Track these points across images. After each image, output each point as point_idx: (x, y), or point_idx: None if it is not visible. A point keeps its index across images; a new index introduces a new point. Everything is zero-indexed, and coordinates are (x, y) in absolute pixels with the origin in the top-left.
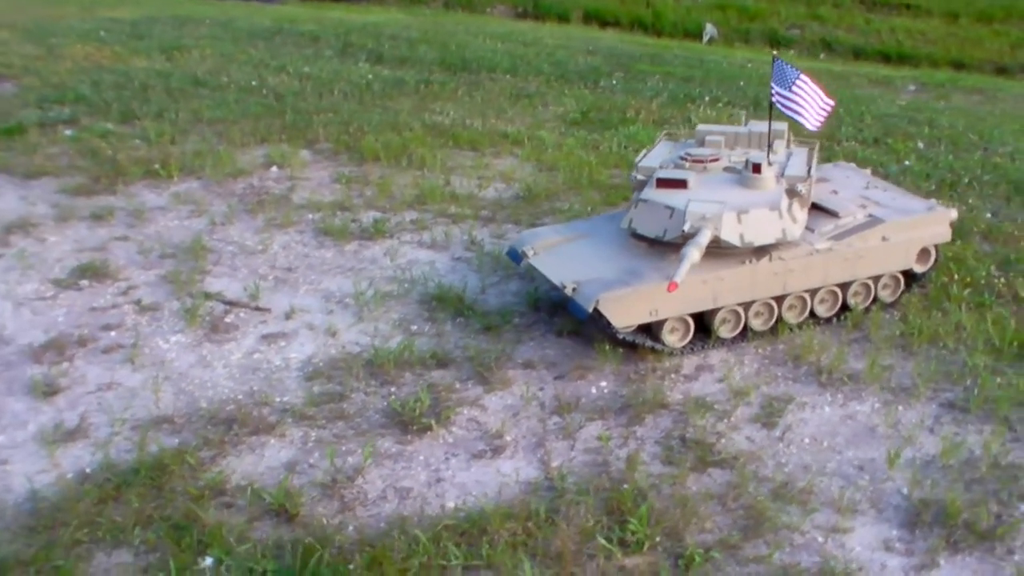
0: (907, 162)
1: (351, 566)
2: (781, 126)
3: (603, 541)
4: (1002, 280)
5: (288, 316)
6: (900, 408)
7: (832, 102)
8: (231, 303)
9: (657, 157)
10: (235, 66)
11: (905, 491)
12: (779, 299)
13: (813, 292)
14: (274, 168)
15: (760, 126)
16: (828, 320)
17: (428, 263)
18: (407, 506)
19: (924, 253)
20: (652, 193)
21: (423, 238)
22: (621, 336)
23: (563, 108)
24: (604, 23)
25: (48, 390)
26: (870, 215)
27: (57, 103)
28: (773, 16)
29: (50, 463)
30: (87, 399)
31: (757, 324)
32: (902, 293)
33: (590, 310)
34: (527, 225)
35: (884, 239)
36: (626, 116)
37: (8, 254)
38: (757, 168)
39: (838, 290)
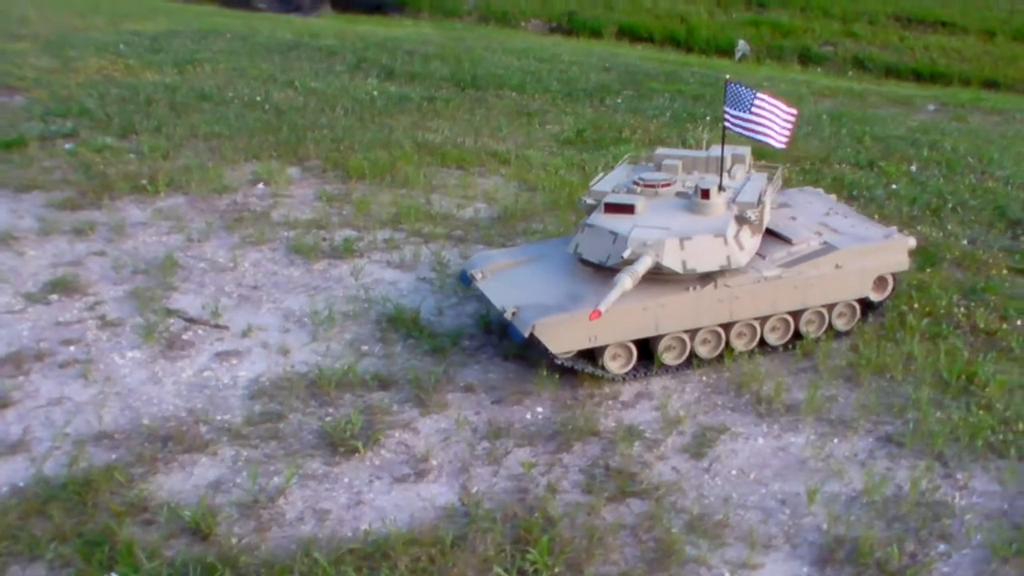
0: (895, 185)
1: None
2: (744, 150)
3: (500, 571)
4: (962, 310)
5: (245, 334)
6: (835, 441)
7: (795, 111)
8: (191, 320)
9: (611, 181)
10: (244, 81)
11: (824, 527)
12: (727, 327)
13: (763, 320)
14: (260, 185)
15: (726, 150)
16: (779, 349)
17: (392, 283)
18: (323, 528)
19: (881, 281)
20: (599, 218)
21: (392, 258)
22: (559, 362)
23: (560, 127)
24: (638, 39)
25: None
26: (824, 242)
27: (61, 116)
28: (807, 33)
29: None
30: (35, 413)
31: (704, 352)
32: (858, 322)
33: (526, 335)
34: (498, 246)
35: (837, 267)
36: (622, 136)
37: None
38: (705, 194)
39: (790, 318)
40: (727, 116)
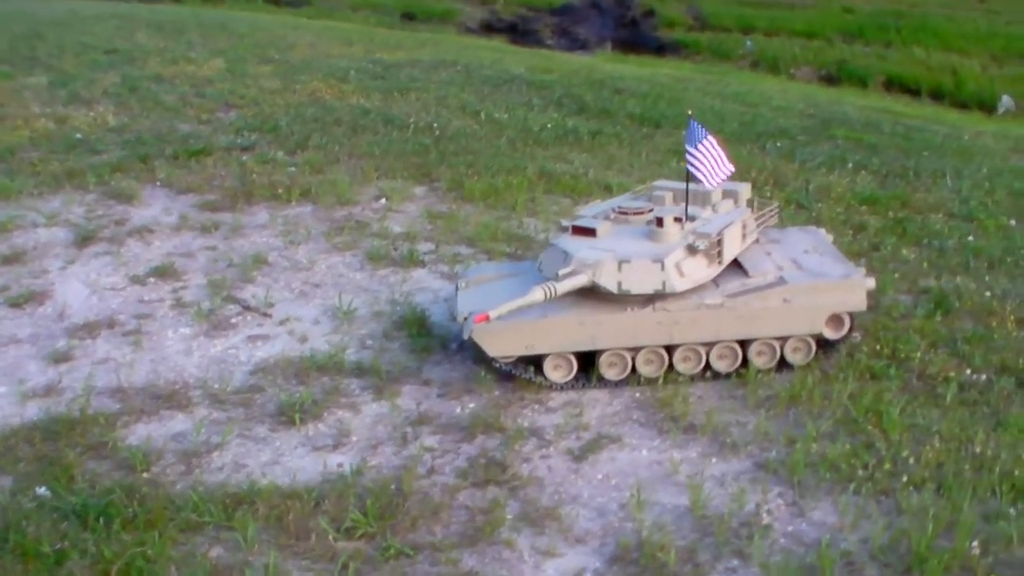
0: (971, 238)
1: (130, 509)
2: (741, 187)
3: (323, 523)
4: (919, 355)
5: (282, 322)
6: (713, 461)
7: (732, 168)
8: (246, 307)
9: (598, 208)
10: (439, 108)
11: (640, 532)
12: (670, 349)
13: (709, 346)
14: (382, 200)
15: (727, 185)
16: (728, 376)
17: (434, 291)
18: (231, 478)
19: (838, 320)
20: (561, 238)
21: (447, 269)
22: (497, 365)
23: None
24: (906, 90)
25: (60, 358)
26: (780, 276)
27: (253, 131)
28: None
29: (18, 411)
30: (83, 368)
31: (648, 371)
32: (813, 358)
33: (465, 338)
34: None
35: (785, 301)
36: (745, 176)
37: (115, 252)
38: (660, 222)
39: (737, 347)
40: (687, 151)
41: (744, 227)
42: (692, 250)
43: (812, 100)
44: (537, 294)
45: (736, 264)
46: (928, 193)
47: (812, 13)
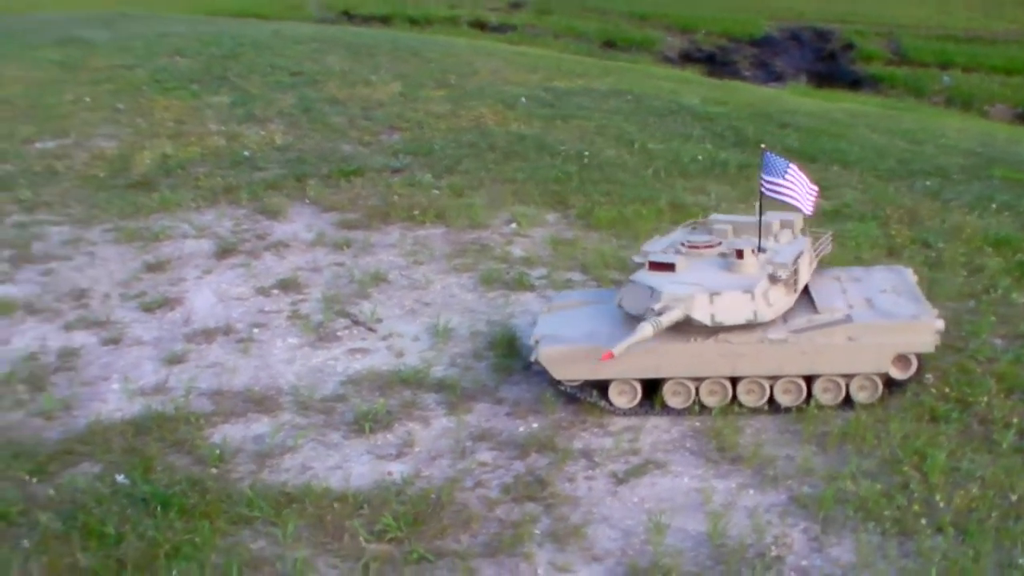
0: None
1: (191, 500)
2: (795, 216)
3: (356, 524)
4: (986, 400)
5: (384, 338)
6: (751, 492)
7: (816, 189)
8: (355, 322)
9: (664, 243)
10: (593, 137)
11: (656, 556)
12: (734, 381)
13: (773, 380)
14: (513, 225)
15: (776, 216)
16: (789, 410)
17: (534, 314)
18: (296, 478)
19: (905, 360)
20: (641, 275)
21: (553, 294)
22: (563, 388)
23: (836, 201)
24: None
25: (175, 360)
26: (847, 314)
27: (408, 154)
28: None
29: (125, 406)
30: (192, 370)
31: (711, 402)
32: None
33: (532, 360)
34: None
35: (849, 339)
36: (874, 214)
37: (249, 264)
38: (740, 254)
39: (802, 382)
40: (763, 182)
41: (810, 256)
42: (774, 280)
43: (987, 139)
44: (647, 329)
45: (807, 299)
46: None
47: (1015, 48)
